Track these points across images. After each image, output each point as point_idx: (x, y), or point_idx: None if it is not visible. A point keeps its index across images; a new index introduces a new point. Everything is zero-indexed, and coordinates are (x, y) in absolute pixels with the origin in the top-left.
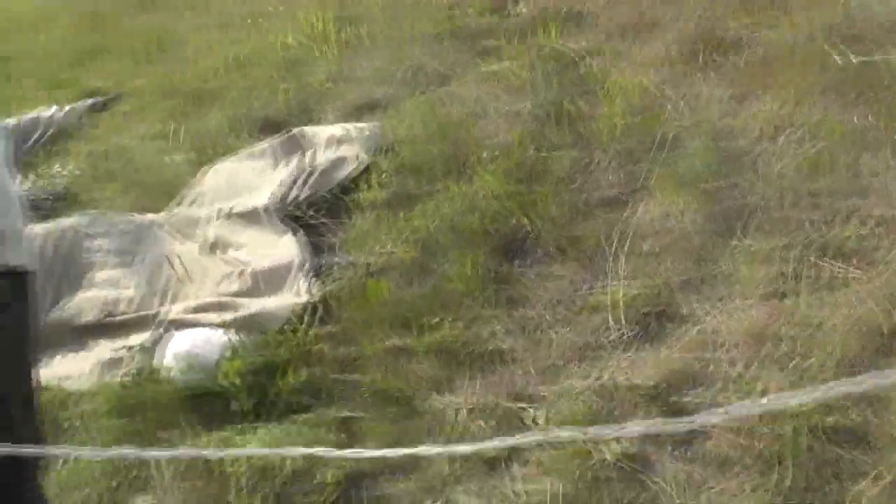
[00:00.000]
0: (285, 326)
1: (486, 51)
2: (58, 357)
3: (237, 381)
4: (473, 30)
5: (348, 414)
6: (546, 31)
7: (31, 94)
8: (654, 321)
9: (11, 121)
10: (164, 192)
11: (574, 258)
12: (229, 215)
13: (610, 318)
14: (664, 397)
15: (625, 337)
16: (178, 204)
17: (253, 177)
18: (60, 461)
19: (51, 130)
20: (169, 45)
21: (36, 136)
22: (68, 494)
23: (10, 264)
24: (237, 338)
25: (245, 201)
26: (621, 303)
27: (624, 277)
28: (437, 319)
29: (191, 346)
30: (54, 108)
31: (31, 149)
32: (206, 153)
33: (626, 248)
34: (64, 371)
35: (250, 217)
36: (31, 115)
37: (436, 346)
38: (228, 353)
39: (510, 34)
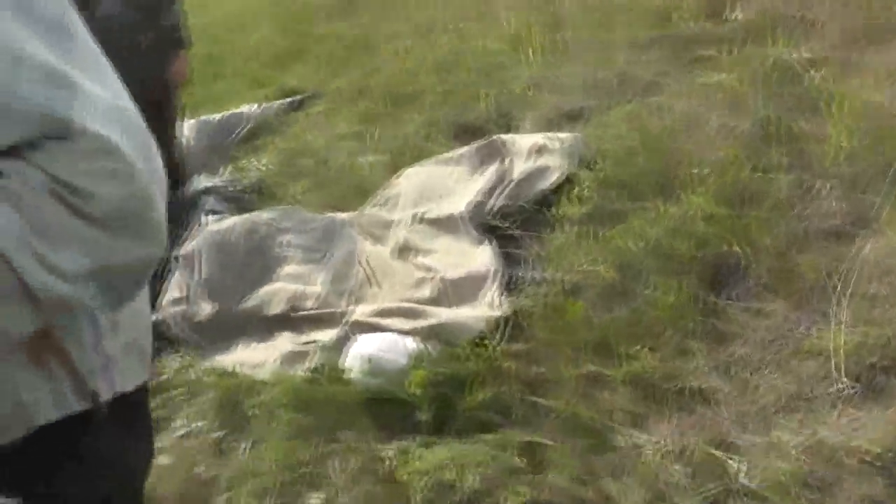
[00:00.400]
0: (475, 339)
1: (699, 59)
2: (242, 345)
3: (421, 391)
4: (686, 36)
5: (534, 438)
6: (766, 39)
7: (236, 91)
8: (881, 376)
9: (217, 116)
10: (355, 192)
11: (789, 294)
12: (422, 220)
13: (830, 367)
14: (891, 467)
15: (845, 390)
16: (371, 205)
17: (449, 182)
18: (241, 447)
19: (249, 125)
20: (368, 49)
21: (237, 131)
22: (245, 479)
23: (119, 391)
24: (424, 346)
25: (440, 207)
26: (842, 351)
27: (846, 322)
28: (635, 348)
29: (376, 350)
30: (255, 105)
31: (233, 143)
32: (401, 156)
33: (849, 289)
34: (250, 359)
35: (445, 224)
36: (235, 111)
37: (632, 377)
38: (414, 362)
39: (726, 42)
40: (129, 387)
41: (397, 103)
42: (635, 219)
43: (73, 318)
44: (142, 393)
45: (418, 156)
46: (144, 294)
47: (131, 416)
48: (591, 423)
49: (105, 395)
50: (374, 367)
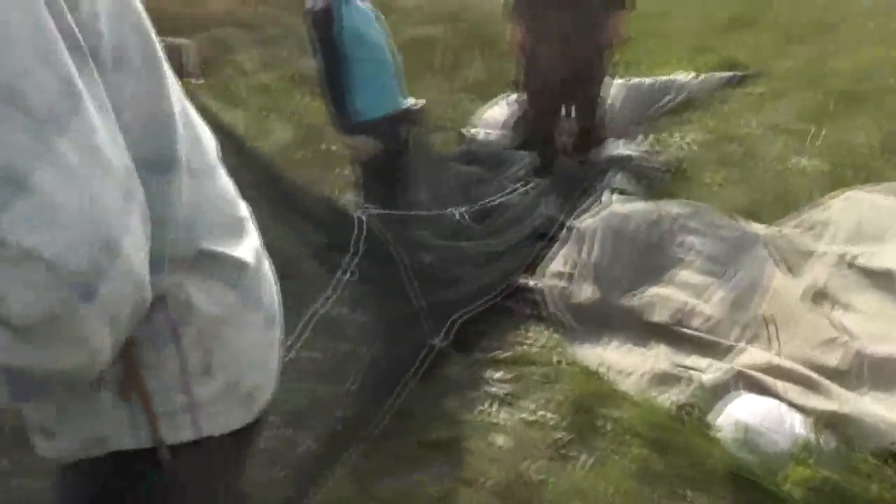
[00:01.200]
0: (885, 450)
1: None
2: (613, 342)
3: (799, 493)
4: None
5: None
6: None
7: (672, 54)
8: None
9: (648, 80)
10: (779, 198)
11: None
12: (851, 265)
13: None
14: None
15: None
16: (795, 225)
17: (894, 223)
18: (581, 460)
19: (681, 96)
20: (827, 27)
21: (667, 99)
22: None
23: (206, 435)
24: (815, 435)
25: (878, 254)
26: None
27: None
28: None
29: (758, 421)
30: (691, 74)
31: (659, 112)
32: (843, 170)
33: None
34: (618, 362)
35: (878, 278)
36: (667, 77)
37: None
38: (799, 452)
39: None
40: (219, 431)
41: (851, 102)
42: None
43: (156, 356)
44: (236, 439)
45: (865, 176)
46: (254, 327)
47: (214, 462)
48: None
49: (183, 437)
50: (749, 439)
